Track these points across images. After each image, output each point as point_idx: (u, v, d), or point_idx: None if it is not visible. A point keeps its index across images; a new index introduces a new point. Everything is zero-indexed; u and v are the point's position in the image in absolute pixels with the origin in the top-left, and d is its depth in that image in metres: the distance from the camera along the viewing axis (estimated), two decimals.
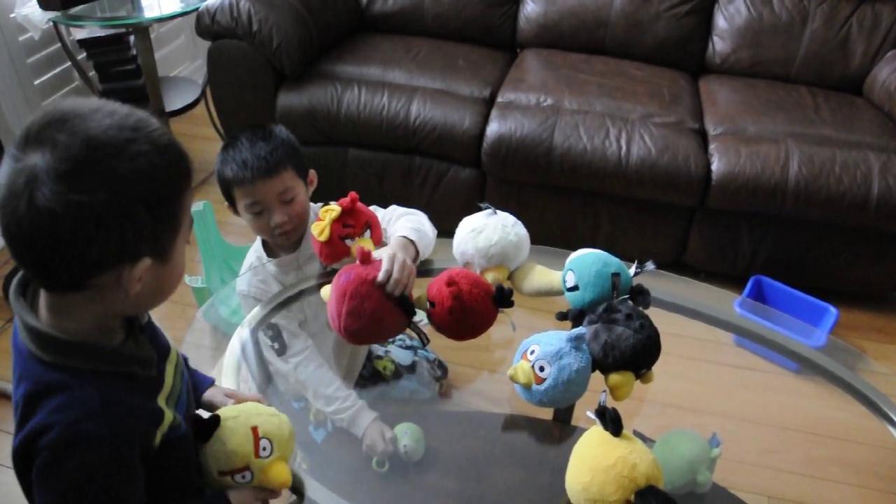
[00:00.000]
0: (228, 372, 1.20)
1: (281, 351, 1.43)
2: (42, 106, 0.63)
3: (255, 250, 1.50)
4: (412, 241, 1.28)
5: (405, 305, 1.14)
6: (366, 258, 1.15)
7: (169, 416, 0.83)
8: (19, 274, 0.80)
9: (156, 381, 0.84)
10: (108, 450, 0.75)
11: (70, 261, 0.69)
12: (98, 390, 0.75)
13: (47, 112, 0.70)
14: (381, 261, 1.15)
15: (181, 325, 2.17)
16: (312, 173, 1.46)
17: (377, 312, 1.12)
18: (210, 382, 1.05)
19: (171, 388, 0.86)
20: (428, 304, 1.17)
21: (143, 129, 0.72)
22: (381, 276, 1.13)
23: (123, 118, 0.72)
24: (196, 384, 1.01)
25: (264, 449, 0.91)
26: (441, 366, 1.75)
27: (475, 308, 1.15)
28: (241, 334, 1.30)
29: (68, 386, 0.74)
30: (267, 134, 1.37)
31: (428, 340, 1.26)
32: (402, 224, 1.34)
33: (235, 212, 1.41)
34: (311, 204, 1.46)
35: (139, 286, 0.74)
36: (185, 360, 0.98)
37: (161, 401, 0.83)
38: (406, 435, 1.41)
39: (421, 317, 1.20)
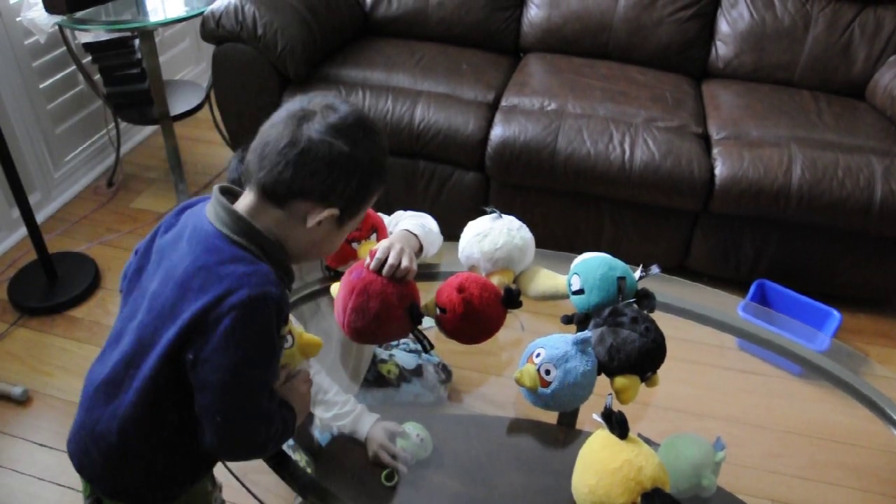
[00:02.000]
0: None
1: None
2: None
3: None
4: (414, 235, 1.29)
5: (412, 312, 1.14)
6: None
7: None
8: (219, 186, 0.97)
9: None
10: (279, 317, 0.91)
11: (293, 176, 0.89)
12: (271, 269, 0.91)
13: (324, 102, 0.93)
14: None
15: None
16: None
17: (382, 314, 1.12)
18: None
19: None
20: (438, 310, 1.17)
21: (381, 133, 0.96)
22: (373, 263, 1.14)
23: (372, 122, 0.95)
24: None
25: (286, 342, 1.06)
26: (445, 369, 1.75)
27: (486, 312, 1.15)
28: None
29: (253, 260, 0.91)
30: None
31: (432, 347, 1.26)
32: (406, 222, 1.35)
33: None
34: None
35: (317, 229, 0.93)
36: None
37: None
38: (415, 429, 1.39)
39: (429, 322, 1.20)
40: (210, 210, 0.94)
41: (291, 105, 0.93)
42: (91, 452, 0.98)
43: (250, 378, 0.91)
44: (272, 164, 0.89)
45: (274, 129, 0.90)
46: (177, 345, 0.89)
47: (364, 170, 0.92)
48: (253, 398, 0.92)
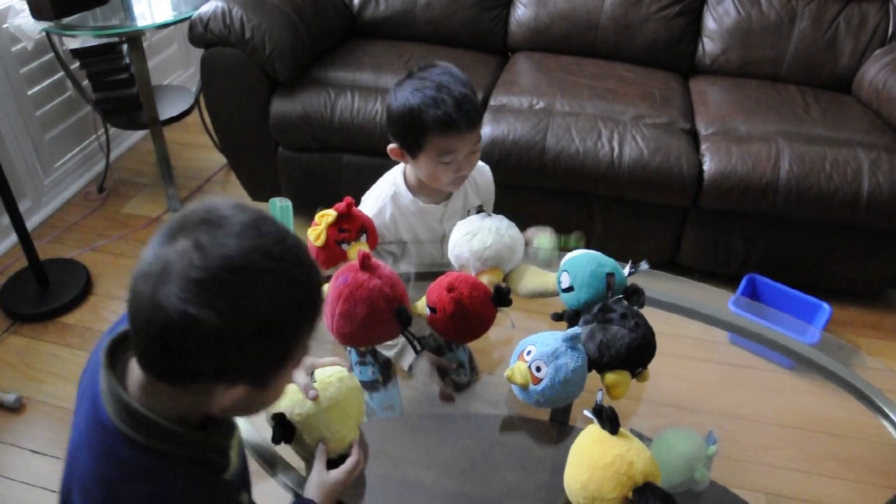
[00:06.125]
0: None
1: None
2: (205, 200, 0.64)
3: (393, 184, 1.43)
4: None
5: (400, 315, 1.14)
6: (365, 262, 1.15)
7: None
8: (109, 340, 0.78)
9: (225, 464, 0.84)
10: None
11: (171, 360, 0.69)
12: (184, 480, 0.76)
13: (207, 208, 0.70)
14: (380, 265, 1.16)
15: None
16: None
17: (369, 318, 1.12)
18: None
19: (234, 467, 0.87)
20: (428, 309, 1.17)
21: (286, 262, 0.69)
22: None
23: (272, 244, 0.69)
24: None
25: None
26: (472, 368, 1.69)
27: (476, 311, 1.15)
28: None
29: (157, 474, 0.74)
30: (458, 78, 1.35)
31: (423, 348, 1.26)
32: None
33: (405, 155, 1.33)
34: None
35: (229, 405, 0.73)
36: None
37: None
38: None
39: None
40: (103, 388, 0.76)
41: (160, 236, 0.69)
42: None
43: None
44: (139, 340, 0.69)
45: (139, 282, 0.68)
46: None
47: (260, 329, 0.68)
48: None
